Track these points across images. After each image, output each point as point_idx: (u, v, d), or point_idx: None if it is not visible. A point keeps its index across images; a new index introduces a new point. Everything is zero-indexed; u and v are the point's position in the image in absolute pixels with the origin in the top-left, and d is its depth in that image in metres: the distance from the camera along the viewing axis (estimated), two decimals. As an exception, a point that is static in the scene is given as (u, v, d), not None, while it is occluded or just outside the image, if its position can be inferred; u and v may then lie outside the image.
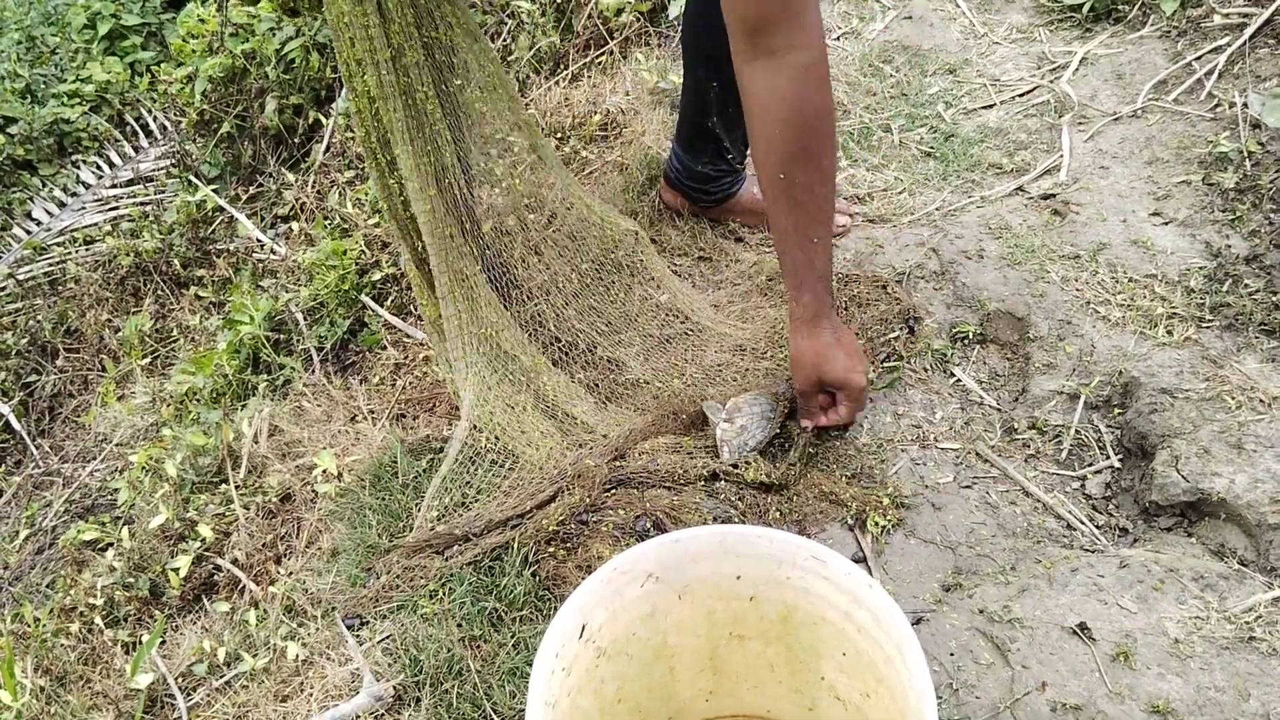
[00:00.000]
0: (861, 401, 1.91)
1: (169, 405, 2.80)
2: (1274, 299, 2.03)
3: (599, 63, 3.06)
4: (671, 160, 2.43)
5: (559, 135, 2.82)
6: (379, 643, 1.76)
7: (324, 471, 2.11)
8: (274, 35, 3.36)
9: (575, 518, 1.83)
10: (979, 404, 2.06)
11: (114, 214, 3.83)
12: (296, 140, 3.47)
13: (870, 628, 1.31)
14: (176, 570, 2.09)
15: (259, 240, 3.19)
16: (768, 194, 1.73)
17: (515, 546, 1.82)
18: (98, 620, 2.09)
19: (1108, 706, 1.52)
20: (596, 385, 2.12)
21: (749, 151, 1.97)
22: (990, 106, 2.74)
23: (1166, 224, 2.25)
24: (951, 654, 1.64)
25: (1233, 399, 1.87)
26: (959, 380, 2.10)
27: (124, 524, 2.31)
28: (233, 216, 3.36)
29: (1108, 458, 1.93)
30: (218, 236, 3.43)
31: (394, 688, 1.67)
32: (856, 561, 1.80)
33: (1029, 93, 2.75)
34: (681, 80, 2.36)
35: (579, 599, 1.31)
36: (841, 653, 1.39)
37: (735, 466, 1.91)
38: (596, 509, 1.85)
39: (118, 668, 1.99)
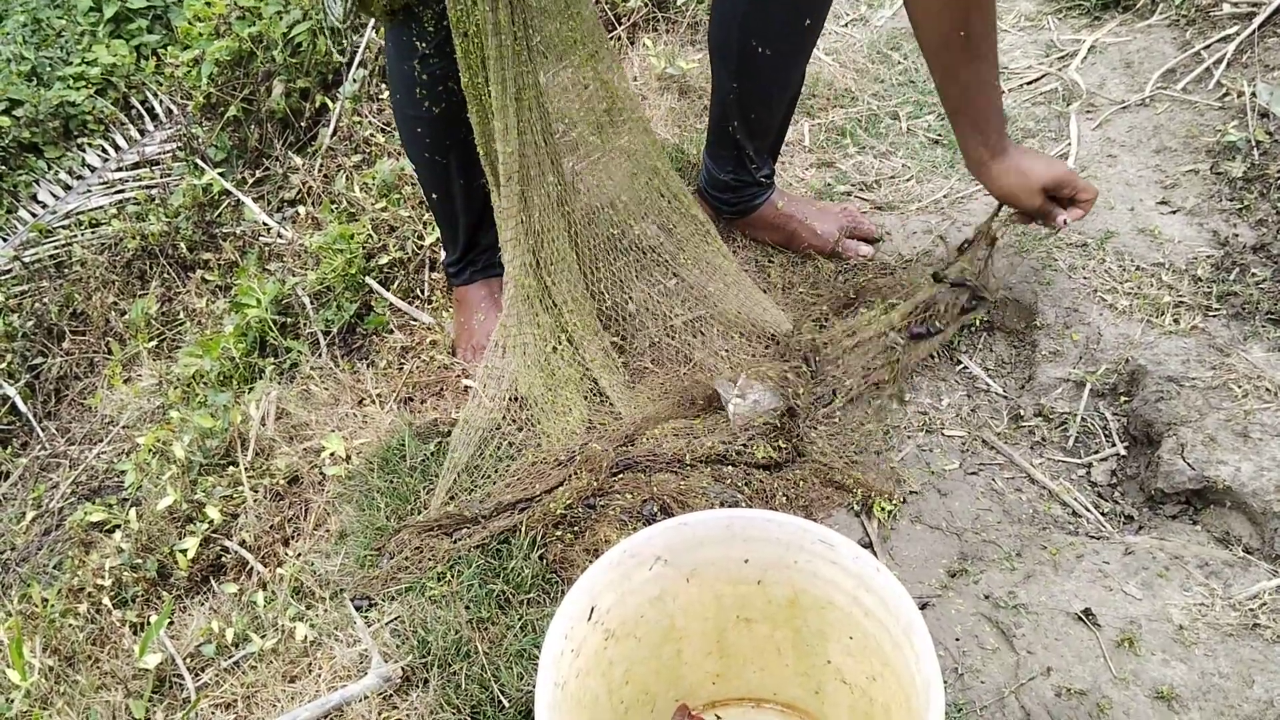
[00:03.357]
0: (1082, 184, 1.99)
1: (176, 388, 2.80)
2: (1281, 288, 2.03)
3: (607, 48, 3.05)
4: (701, 169, 2.42)
5: (565, 121, 2.81)
6: (387, 624, 1.77)
7: (332, 454, 2.11)
8: (281, 18, 3.36)
9: (582, 502, 1.84)
10: (985, 391, 2.07)
11: (120, 197, 3.83)
12: (303, 124, 3.47)
13: (878, 612, 1.32)
14: (184, 552, 2.10)
15: (265, 224, 3.19)
16: (946, 54, 1.84)
17: (523, 530, 1.83)
18: (106, 601, 2.10)
19: (1112, 692, 1.53)
20: (628, 360, 2.14)
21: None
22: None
23: (1174, 212, 2.25)
24: (957, 639, 1.65)
25: (1239, 387, 1.87)
26: (965, 367, 2.11)
27: (131, 506, 2.32)
28: (239, 200, 3.36)
29: (1113, 445, 1.94)
30: (224, 220, 3.43)
31: (402, 669, 1.68)
32: (862, 547, 1.81)
33: (1037, 80, 2.74)
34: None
35: (588, 581, 1.32)
36: (848, 636, 1.40)
37: (744, 447, 1.92)
38: (604, 493, 1.86)
39: (126, 648, 2.00)
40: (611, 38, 3.08)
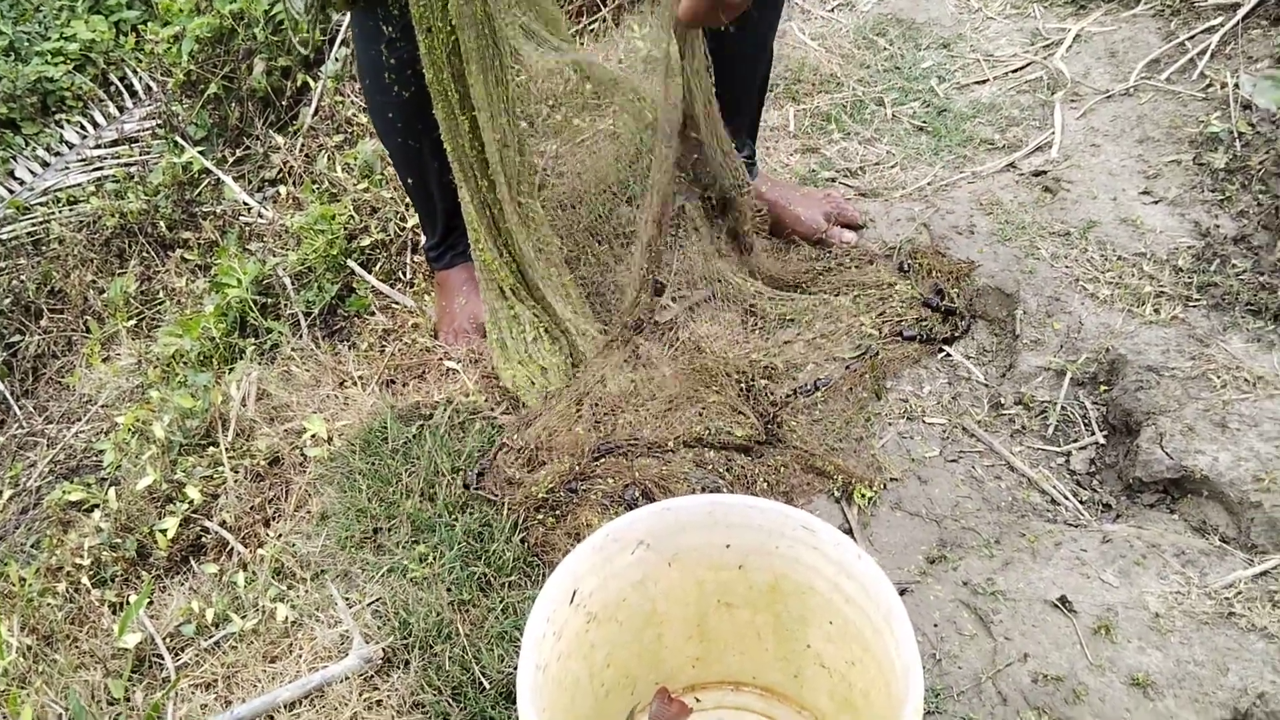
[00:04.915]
0: None
1: (155, 367, 2.78)
2: (1261, 279, 2.04)
3: (591, 29, 3.05)
4: None
5: (551, 103, 2.81)
6: (368, 605, 1.77)
7: (313, 436, 2.11)
8: (263, -4, 3.34)
9: (564, 486, 1.84)
10: (966, 379, 2.08)
11: (98, 174, 3.79)
12: (284, 103, 3.44)
13: (858, 598, 1.33)
14: (164, 532, 2.09)
15: (246, 204, 3.18)
16: None
17: (504, 513, 1.83)
18: (84, 580, 2.09)
19: (1088, 678, 1.55)
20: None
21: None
22: (983, 82, 2.74)
23: (1156, 203, 2.26)
24: (935, 625, 1.66)
25: (1218, 378, 1.88)
26: (947, 355, 2.12)
27: (110, 485, 2.31)
28: (219, 179, 3.34)
29: (1093, 434, 1.95)
30: (204, 199, 3.40)
31: (383, 650, 1.68)
32: (842, 533, 1.82)
33: (1022, 69, 2.75)
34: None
35: (571, 564, 1.32)
36: (829, 621, 1.40)
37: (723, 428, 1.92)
38: (585, 477, 1.86)
39: (105, 628, 1.99)
40: (596, 19, 3.07)
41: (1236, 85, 2.44)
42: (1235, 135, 2.32)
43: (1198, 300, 2.04)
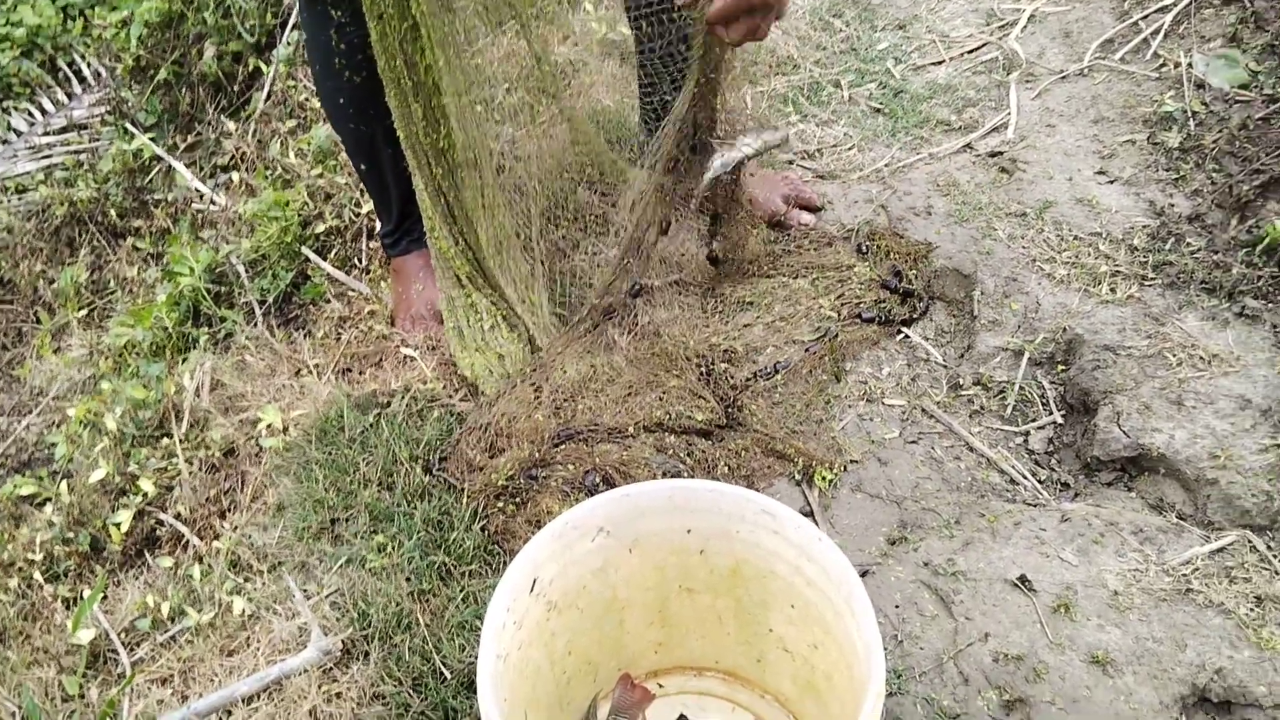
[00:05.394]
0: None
1: (107, 358, 2.74)
2: (1215, 258, 2.06)
3: (547, 12, 3.02)
4: (640, 138, 2.39)
5: (507, 86, 2.78)
6: (326, 597, 1.75)
7: (269, 426, 2.08)
8: (213, -21, 3.28)
9: (524, 473, 1.83)
10: (925, 360, 2.08)
11: (47, 162, 3.72)
12: (236, 88, 3.39)
13: (819, 581, 1.33)
14: (118, 525, 2.06)
15: (198, 190, 3.13)
16: None
17: (464, 501, 1.81)
18: (37, 575, 2.05)
19: (1048, 656, 1.56)
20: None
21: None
22: (939, 63, 2.74)
23: (1111, 183, 2.27)
24: (896, 606, 1.67)
25: (1173, 356, 1.90)
26: (906, 337, 2.12)
27: (62, 478, 2.27)
28: (170, 166, 3.29)
29: (1050, 413, 1.96)
30: (155, 186, 3.35)
31: (342, 641, 1.66)
32: (804, 515, 1.81)
33: (977, 49, 2.75)
34: (631, 33, 2.33)
35: (530, 553, 1.31)
36: (790, 605, 1.40)
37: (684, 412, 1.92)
38: (545, 464, 1.85)
39: (59, 623, 1.96)
40: (551, 1, 3.04)
41: (1190, 65, 2.45)
42: (1189, 114, 2.34)
43: (1153, 279, 2.06)
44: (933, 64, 2.74)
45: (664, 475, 1.82)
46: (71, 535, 2.11)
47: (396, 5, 1.71)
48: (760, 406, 1.97)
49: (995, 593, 1.65)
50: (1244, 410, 1.80)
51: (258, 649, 1.72)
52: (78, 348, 2.94)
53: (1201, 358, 1.89)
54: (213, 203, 3.05)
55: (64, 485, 2.19)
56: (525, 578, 1.31)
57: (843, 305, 2.14)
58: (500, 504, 1.81)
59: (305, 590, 1.77)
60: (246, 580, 1.85)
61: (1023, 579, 1.65)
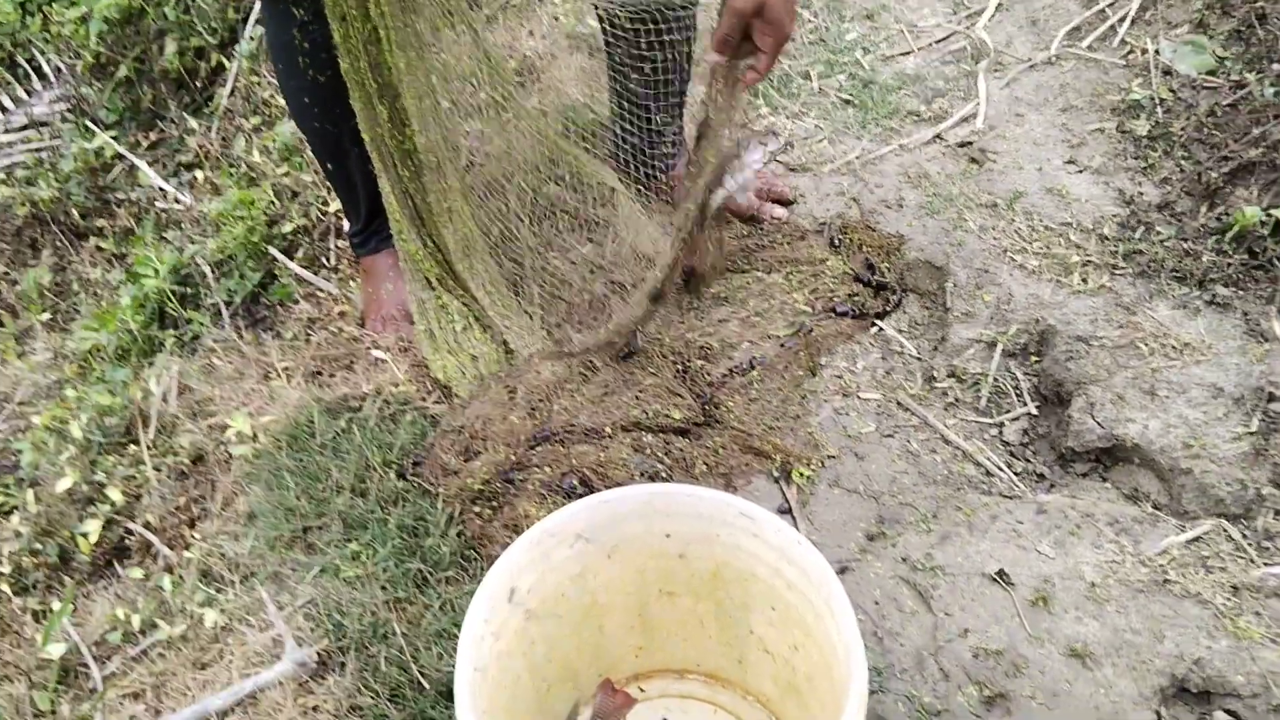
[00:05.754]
0: (785, 33, 1.66)
1: (72, 362, 2.70)
2: (1184, 246, 2.06)
3: (513, 5, 2.99)
4: (611, 134, 2.36)
5: (473, 81, 2.75)
6: (300, 607, 1.73)
7: (238, 433, 2.05)
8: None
9: (500, 476, 1.81)
10: (900, 353, 2.08)
11: (8, 161, 3.66)
12: (199, 84, 3.34)
13: (799, 584, 1.32)
14: (86, 535, 2.03)
15: (162, 189, 3.08)
16: None
17: (440, 506, 1.79)
18: (4, 588, 2.02)
19: (1028, 650, 1.56)
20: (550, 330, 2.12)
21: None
22: (908, 53, 2.73)
23: (1081, 172, 2.28)
24: (876, 602, 1.66)
25: (1146, 346, 1.90)
26: (880, 330, 2.11)
27: (29, 486, 2.23)
28: (133, 164, 3.24)
29: (1025, 405, 1.96)
30: (118, 185, 3.30)
31: (318, 653, 1.64)
32: (782, 513, 1.81)
33: (945, 39, 2.75)
34: (599, 26, 2.30)
35: (507, 562, 1.30)
36: (771, 607, 1.40)
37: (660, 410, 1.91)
38: (522, 466, 1.83)
39: (28, 637, 1.93)
40: (517, -6, 3.01)
41: (1157, 51, 2.45)
42: (1157, 102, 2.34)
43: (1124, 268, 2.06)
44: (901, 54, 2.73)
45: (642, 476, 1.81)
46: (39, 546, 2.08)
47: (359, 6, 1.68)
48: (737, 403, 1.96)
49: (974, 587, 1.65)
50: (1216, 399, 1.81)
51: (231, 662, 1.69)
52: (42, 351, 2.89)
53: (1174, 347, 1.90)
54: (177, 201, 3.01)
55: (30, 494, 2.15)
56: (503, 587, 1.30)
57: (816, 299, 2.14)
58: (477, 508, 1.79)
59: (278, 601, 1.74)
60: (218, 591, 1.82)
61: (1001, 573, 1.65)
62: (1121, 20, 2.59)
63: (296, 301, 2.42)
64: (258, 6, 3.19)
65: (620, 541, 1.39)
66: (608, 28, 2.06)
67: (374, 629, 1.65)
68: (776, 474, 1.87)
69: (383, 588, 1.70)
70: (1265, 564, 1.64)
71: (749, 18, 1.63)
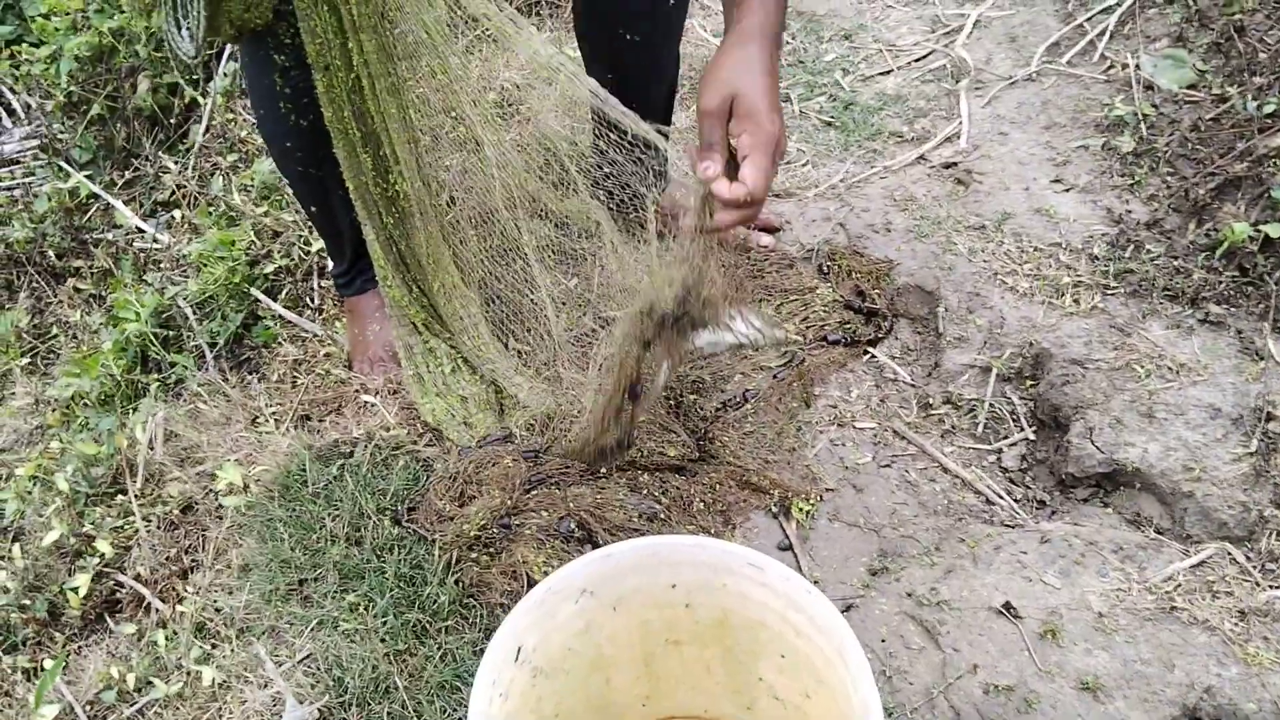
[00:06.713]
0: (776, 152, 1.38)
1: (54, 409, 2.65)
2: (1175, 263, 2.06)
3: (490, 34, 2.96)
4: (593, 164, 2.34)
5: (453, 115, 2.73)
6: (299, 663, 1.70)
7: (229, 484, 2.01)
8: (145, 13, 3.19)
9: (497, 522, 1.79)
10: (893, 380, 2.07)
11: (-21, 202, 3.61)
12: (173, 121, 3.30)
13: (809, 631, 1.30)
14: (75, 590, 1.99)
15: (139, 229, 3.04)
16: None
17: (436, 553, 1.77)
18: (-7, 647, 1.98)
19: (1039, 685, 1.54)
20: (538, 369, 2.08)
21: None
22: (887, 73, 2.73)
23: (1067, 190, 2.27)
24: (882, 640, 1.65)
25: (1141, 367, 1.90)
26: (873, 357, 2.10)
27: (14, 540, 2.19)
28: (109, 204, 3.20)
29: (1022, 430, 1.95)
30: (94, 225, 3.25)
31: (318, 710, 1.61)
32: (782, 549, 1.79)
33: (925, 58, 2.74)
34: (577, 55, 2.28)
35: (512, 623, 1.27)
36: (780, 654, 1.37)
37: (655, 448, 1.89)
38: (518, 511, 1.81)
39: (20, 697, 1.89)
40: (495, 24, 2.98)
41: (1138, 66, 2.45)
42: (1140, 117, 2.34)
43: (1115, 288, 2.05)
44: (881, 74, 2.73)
45: (640, 516, 1.79)
46: (28, 602, 2.04)
47: (342, 56, 1.66)
48: (732, 437, 1.95)
49: (981, 621, 1.64)
50: (1214, 420, 1.80)
51: (230, 720, 1.67)
52: (22, 396, 2.84)
53: (1169, 368, 1.89)
54: (155, 241, 2.97)
55: (15, 547, 2.11)
56: (509, 649, 1.27)
57: (808, 328, 2.12)
58: (474, 555, 1.76)
59: (276, 657, 1.71)
60: (214, 647, 1.79)
61: (1008, 605, 1.64)
62: (1101, 35, 2.59)
63: (281, 344, 2.39)
64: (229, 47, 3.16)
65: (625, 594, 1.37)
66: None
67: (375, 683, 1.62)
68: (775, 509, 1.85)
69: (382, 640, 1.68)
70: (1270, 586, 1.63)
71: (719, 118, 1.38)
